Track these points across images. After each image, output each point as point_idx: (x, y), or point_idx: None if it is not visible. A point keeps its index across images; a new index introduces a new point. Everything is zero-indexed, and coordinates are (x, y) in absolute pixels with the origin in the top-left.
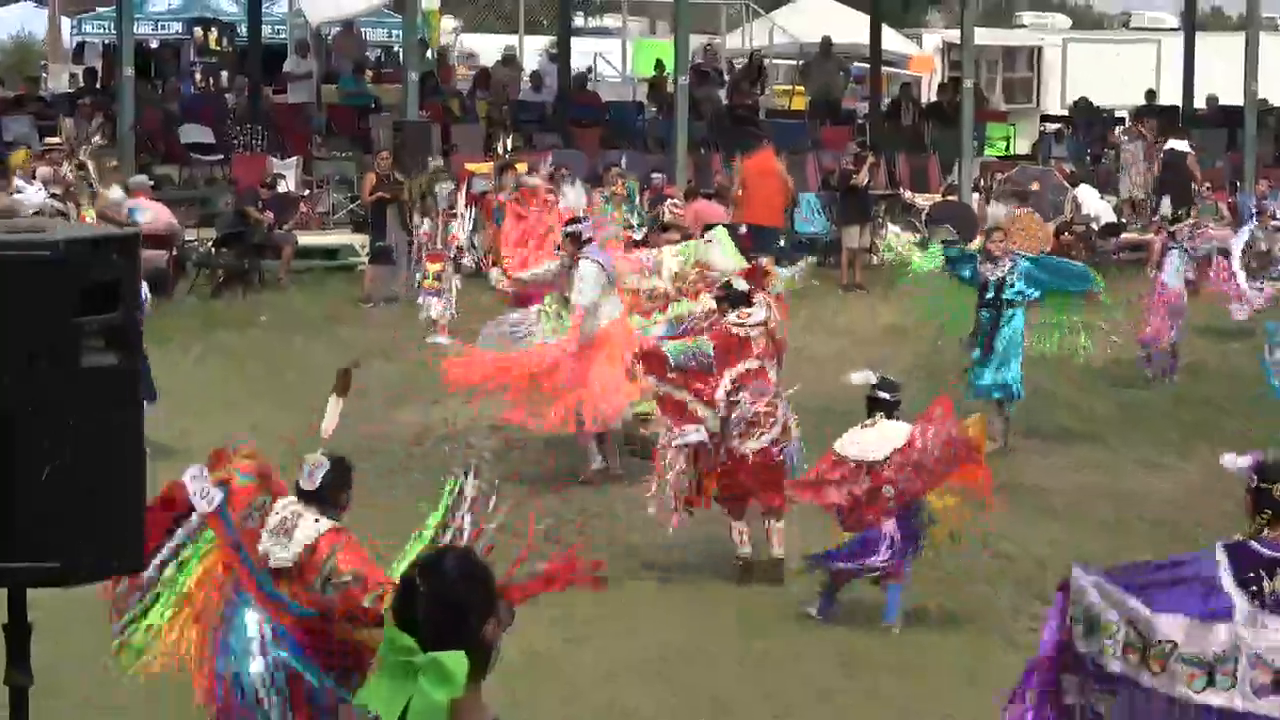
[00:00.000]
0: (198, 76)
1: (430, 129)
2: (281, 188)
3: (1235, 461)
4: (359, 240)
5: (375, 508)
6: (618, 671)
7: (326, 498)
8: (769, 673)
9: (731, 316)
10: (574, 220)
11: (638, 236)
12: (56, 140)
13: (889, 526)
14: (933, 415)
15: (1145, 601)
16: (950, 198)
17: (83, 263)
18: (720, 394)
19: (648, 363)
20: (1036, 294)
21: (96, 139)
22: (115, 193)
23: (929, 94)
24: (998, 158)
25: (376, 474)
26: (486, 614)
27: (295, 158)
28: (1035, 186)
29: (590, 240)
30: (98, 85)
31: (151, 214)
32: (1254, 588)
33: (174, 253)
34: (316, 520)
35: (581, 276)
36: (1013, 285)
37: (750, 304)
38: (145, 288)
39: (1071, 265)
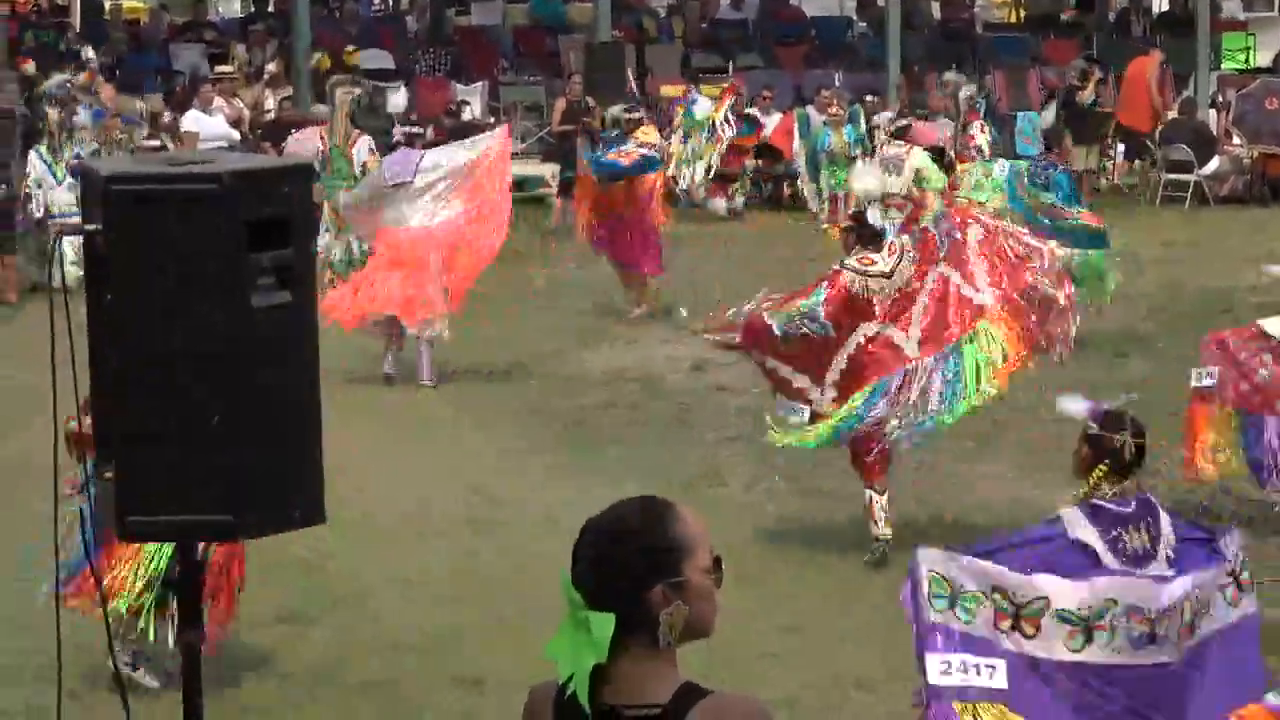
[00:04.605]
0: None
1: (624, 50)
2: (466, 115)
3: (1071, 405)
4: (548, 170)
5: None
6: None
7: None
8: None
9: (851, 261)
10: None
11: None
12: (228, 69)
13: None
14: None
15: (1010, 566)
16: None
17: (252, 196)
18: (831, 378)
19: (751, 337)
20: None
21: (271, 67)
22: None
23: (1160, 2)
24: (1236, 71)
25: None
26: (652, 577)
27: (481, 83)
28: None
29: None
30: (270, 9)
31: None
32: (1120, 544)
33: None
34: None
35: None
36: None
37: (880, 245)
38: None
39: None
